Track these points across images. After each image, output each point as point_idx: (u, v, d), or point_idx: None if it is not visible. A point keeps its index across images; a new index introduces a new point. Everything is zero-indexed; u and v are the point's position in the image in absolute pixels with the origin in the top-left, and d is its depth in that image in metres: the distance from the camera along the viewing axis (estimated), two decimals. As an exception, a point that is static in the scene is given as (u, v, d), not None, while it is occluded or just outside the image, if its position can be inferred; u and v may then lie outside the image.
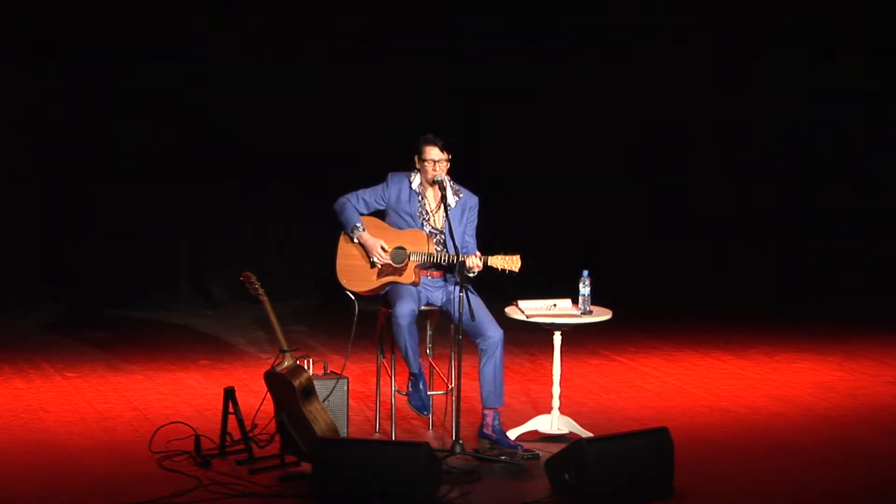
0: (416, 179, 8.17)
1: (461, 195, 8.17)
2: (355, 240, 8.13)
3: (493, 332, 7.95)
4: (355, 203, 8.15)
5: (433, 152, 8.08)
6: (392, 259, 8.09)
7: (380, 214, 8.22)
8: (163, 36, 11.80)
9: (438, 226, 8.16)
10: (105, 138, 11.77)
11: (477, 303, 7.99)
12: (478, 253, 8.00)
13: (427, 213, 8.16)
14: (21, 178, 11.68)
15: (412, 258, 8.06)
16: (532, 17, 12.57)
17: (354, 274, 8.17)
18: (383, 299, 8.17)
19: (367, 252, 8.12)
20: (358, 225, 8.11)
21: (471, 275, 7.96)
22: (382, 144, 10.56)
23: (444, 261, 8.02)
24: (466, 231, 8.19)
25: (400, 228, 8.14)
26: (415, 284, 8.08)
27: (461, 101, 12.32)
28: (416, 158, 8.15)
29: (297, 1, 12.04)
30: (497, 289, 8.63)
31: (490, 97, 12.45)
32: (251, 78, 12.00)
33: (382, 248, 8.07)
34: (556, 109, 12.65)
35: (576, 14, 12.60)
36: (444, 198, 8.07)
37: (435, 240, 8.13)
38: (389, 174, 8.22)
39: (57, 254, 11.86)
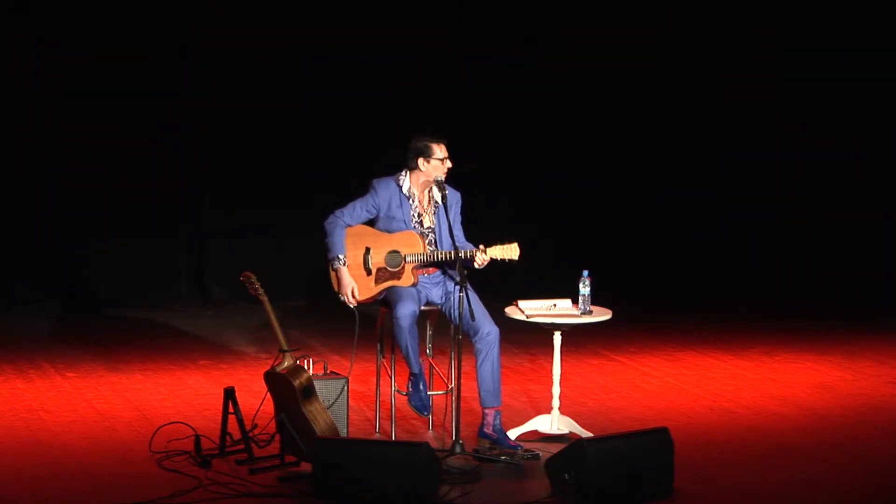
0: (405, 182, 8.13)
1: (445, 191, 8.15)
2: (334, 268, 8.06)
3: (490, 329, 7.93)
4: (348, 220, 8.07)
5: (442, 150, 8.05)
6: (388, 264, 8.07)
7: (370, 222, 8.19)
8: (165, 39, 11.82)
9: (430, 225, 8.15)
10: (106, 139, 11.77)
11: (473, 299, 7.97)
12: (482, 247, 7.98)
13: (418, 214, 8.14)
14: (21, 178, 11.68)
15: (408, 259, 8.05)
16: (533, 18, 12.59)
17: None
18: (383, 300, 8.15)
19: (339, 285, 8.07)
20: (339, 256, 8.03)
21: (480, 267, 7.94)
22: (382, 144, 10.57)
23: (439, 258, 8.01)
24: (454, 226, 8.15)
25: (391, 232, 8.11)
26: (414, 286, 8.08)
27: (460, 100, 12.33)
28: (421, 160, 8.07)
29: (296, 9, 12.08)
30: (497, 289, 8.63)
31: (489, 96, 12.46)
32: (251, 80, 12.02)
33: (354, 293, 8.03)
34: (555, 109, 12.65)
35: (577, 15, 12.61)
36: (443, 197, 8.07)
37: (427, 240, 8.12)
38: (374, 181, 8.15)
39: (57, 254, 11.86)
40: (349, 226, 8.09)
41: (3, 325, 11.26)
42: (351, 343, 8.19)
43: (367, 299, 8.16)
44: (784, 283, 12.93)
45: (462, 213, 8.26)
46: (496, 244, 7.97)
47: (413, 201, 8.14)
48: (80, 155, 11.72)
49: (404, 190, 8.12)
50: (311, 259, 11.54)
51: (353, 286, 8.02)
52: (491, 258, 7.96)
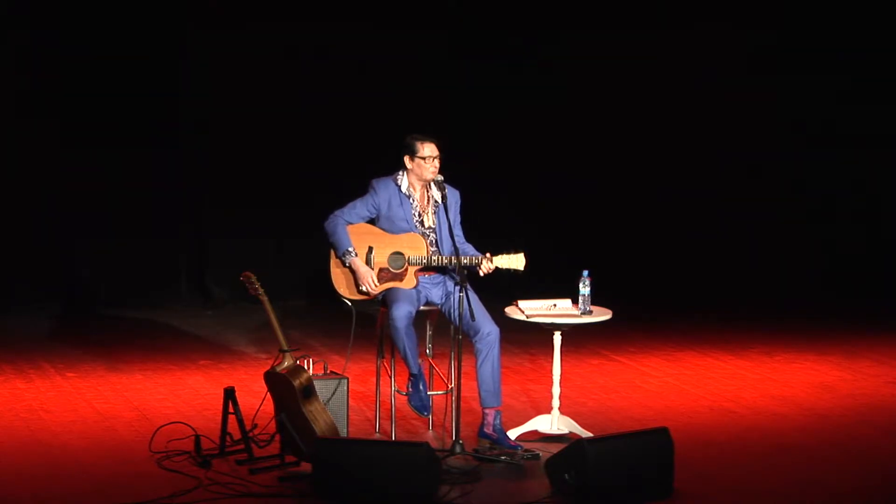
0: (403, 181, 8.13)
1: (445, 190, 8.15)
2: (347, 264, 8.08)
3: (491, 329, 7.93)
4: (348, 218, 8.08)
5: (431, 148, 8.05)
6: (390, 265, 8.07)
7: (370, 221, 8.19)
8: (164, 38, 11.82)
9: (430, 225, 8.15)
10: (106, 139, 11.77)
11: (473, 300, 7.97)
12: (488, 255, 7.98)
13: (419, 214, 8.14)
14: (21, 178, 11.68)
15: (411, 262, 8.05)
16: (533, 17, 12.59)
17: (352, 282, 8.14)
18: (381, 300, 8.15)
19: (356, 278, 8.08)
20: (350, 250, 8.03)
21: (484, 275, 7.94)
22: (382, 144, 10.56)
23: (443, 263, 8.01)
24: (454, 226, 8.14)
25: (393, 233, 8.11)
26: (415, 288, 8.07)
27: (460, 100, 12.33)
28: (407, 158, 8.09)
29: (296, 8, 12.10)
30: (497, 289, 8.63)
31: (489, 96, 12.46)
32: (251, 80, 12.03)
33: (373, 281, 8.04)
34: (555, 109, 12.65)
35: (577, 15, 12.61)
36: (443, 197, 8.06)
37: (428, 240, 8.12)
38: (373, 181, 8.15)
39: (57, 254, 11.86)
40: (350, 224, 8.09)
41: (3, 325, 11.26)
42: (350, 346, 8.20)
43: (366, 297, 8.16)
44: (784, 283, 12.92)
45: (461, 212, 8.26)
46: (503, 254, 7.96)
47: (413, 200, 8.14)
48: (80, 155, 11.72)
49: (403, 189, 8.12)
50: (311, 259, 11.55)
51: (371, 274, 8.03)
52: (496, 267, 7.95)
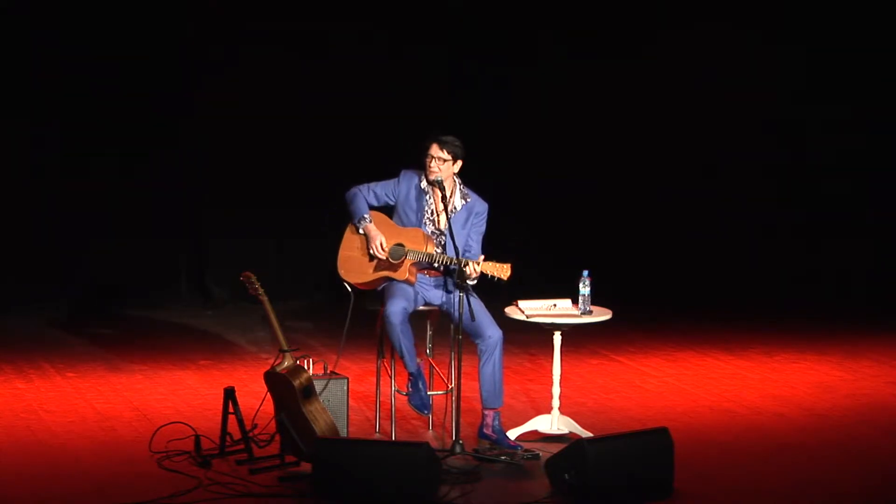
0: (424, 179, 8.18)
1: (469, 199, 8.15)
2: (360, 230, 8.14)
3: (493, 333, 7.95)
4: (366, 194, 8.16)
5: (432, 148, 8.08)
6: (389, 255, 8.09)
7: (388, 210, 8.22)
8: (165, 39, 11.83)
9: (441, 227, 8.15)
10: (105, 138, 11.77)
11: (476, 303, 7.98)
12: (478, 259, 7.97)
13: (432, 212, 8.15)
14: (21, 178, 11.68)
15: (409, 256, 8.06)
16: (534, 17, 12.59)
17: (352, 265, 8.19)
18: (381, 299, 8.16)
19: (367, 242, 8.14)
20: (366, 216, 8.13)
21: (470, 282, 7.93)
22: (382, 144, 10.59)
23: (441, 263, 8.01)
24: (471, 236, 8.15)
25: (403, 226, 8.14)
26: (409, 283, 8.07)
27: (460, 100, 12.34)
28: (421, 158, 8.15)
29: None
30: (497, 289, 8.63)
31: (489, 96, 12.45)
32: (251, 80, 12.03)
33: (381, 245, 8.07)
34: (556, 109, 12.65)
35: (577, 15, 12.62)
36: (443, 198, 8.06)
37: (436, 241, 8.12)
38: (402, 171, 8.22)
39: (57, 254, 11.85)
40: (367, 201, 8.14)
41: (3, 325, 11.25)
42: (351, 334, 8.20)
43: (362, 284, 8.18)
44: (784, 283, 12.92)
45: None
46: (492, 261, 7.96)
47: (429, 198, 8.15)
48: (80, 155, 11.72)
49: (423, 185, 8.15)
50: (312, 259, 11.60)
51: (381, 238, 8.06)
52: (482, 272, 7.95)
